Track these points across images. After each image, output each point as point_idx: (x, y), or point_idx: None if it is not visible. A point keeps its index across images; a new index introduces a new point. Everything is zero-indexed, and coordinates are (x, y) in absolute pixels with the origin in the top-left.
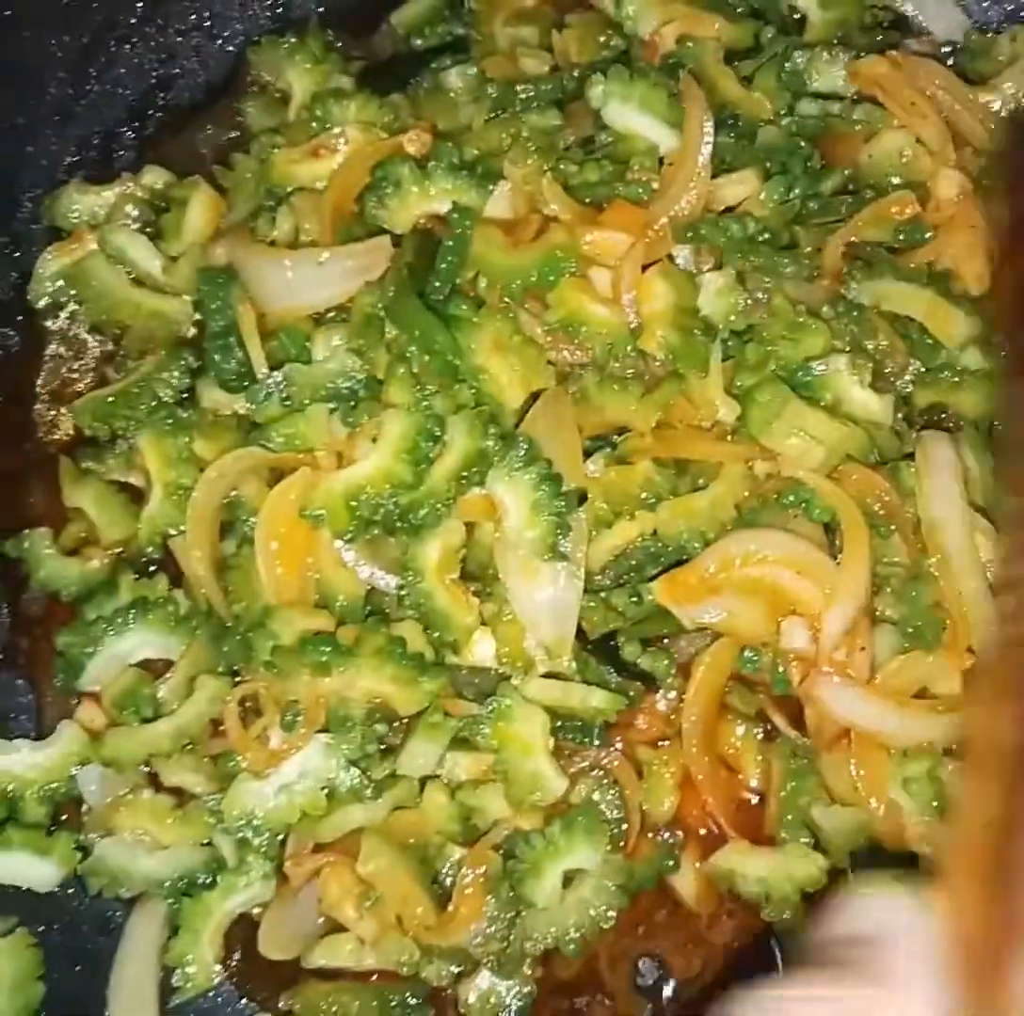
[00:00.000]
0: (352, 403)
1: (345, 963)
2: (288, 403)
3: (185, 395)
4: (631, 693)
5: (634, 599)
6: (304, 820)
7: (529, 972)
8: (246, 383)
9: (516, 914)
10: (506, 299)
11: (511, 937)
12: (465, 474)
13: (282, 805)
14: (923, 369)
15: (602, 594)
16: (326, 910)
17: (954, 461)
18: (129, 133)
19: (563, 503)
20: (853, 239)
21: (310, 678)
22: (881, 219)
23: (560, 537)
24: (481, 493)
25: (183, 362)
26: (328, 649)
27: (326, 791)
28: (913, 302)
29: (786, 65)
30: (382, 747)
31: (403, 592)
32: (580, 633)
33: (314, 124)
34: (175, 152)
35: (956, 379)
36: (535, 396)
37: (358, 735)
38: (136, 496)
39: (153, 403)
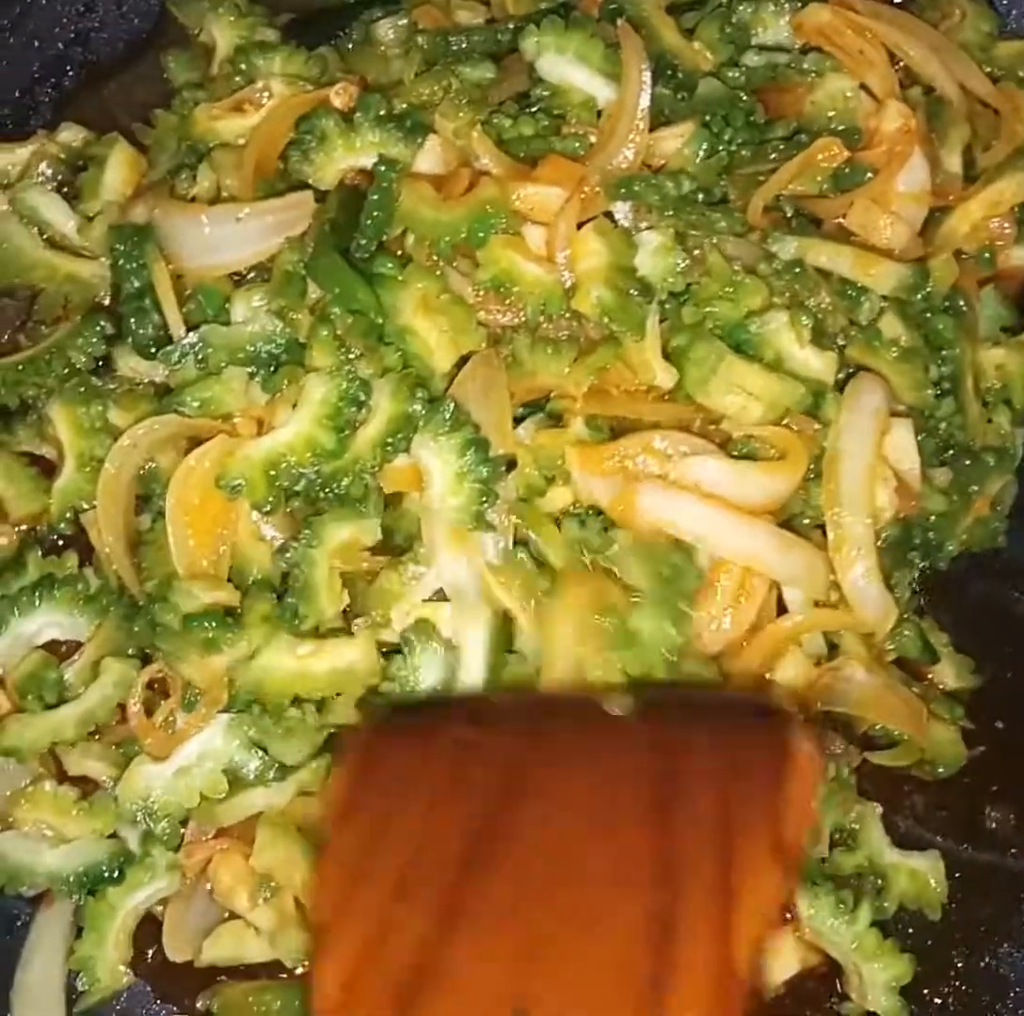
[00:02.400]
0: (272, 368)
1: (234, 956)
2: (204, 366)
3: (100, 362)
4: None
5: None
6: (203, 804)
7: None
8: (164, 348)
9: None
10: (435, 257)
11: None
12: (390, 440)
13: (180, 788)
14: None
15: None
16: (219, 899)
17: (880, 408)
18: (46, 89)
19: (490, 470)
20: (782, 192)
21: (200, 657)
22: (808, 168)
23: (486, 506)
24: (409, 462)
25: (99, 327)
26: (214, 625)
27: (228, 774)
28: (838, 256)
29: (731, 17)
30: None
31: (291, 549)
32: None
33: (238, 78)
34: (94, 109)
35: (876, 343)
36: (465, 360)
37: (262, 716)
38: (47, 469)
39: (65, 370)
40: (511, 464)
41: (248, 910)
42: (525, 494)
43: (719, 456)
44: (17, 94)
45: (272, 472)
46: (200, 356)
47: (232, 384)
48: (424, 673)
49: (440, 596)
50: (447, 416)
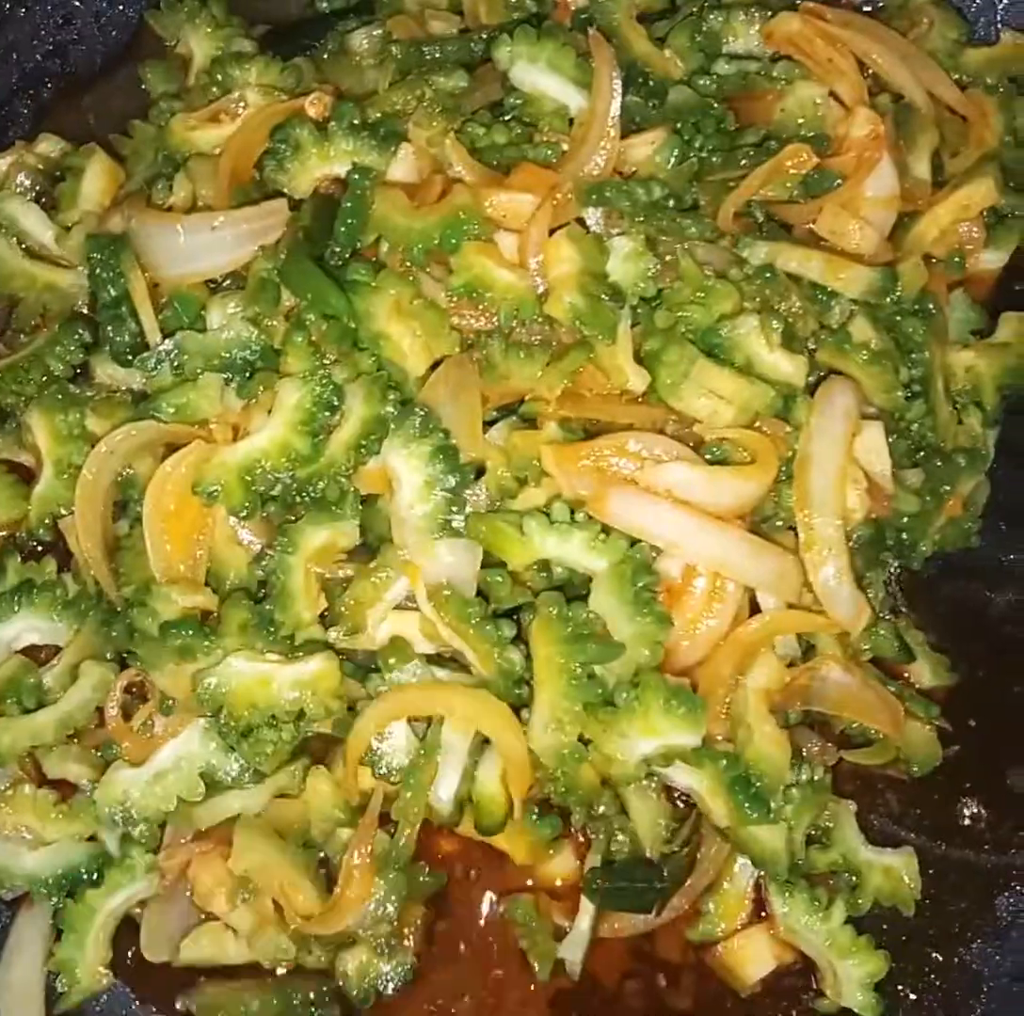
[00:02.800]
0: (247, 374)
1: (212, 957)
2: (180, 372)
3: (78, 370)
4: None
5: (543, 573)
6: (181, 807)
7: (409, 944)
8: (141, 355)
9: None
10: (408, 263)
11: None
12: (364, 443)
13: (157, 792)
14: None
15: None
16: (198, 902)
17: (851, 410)
18: (24, 101)
19: (458, 478)
20: (753, 198)
21: (176, 666)
22: (778, 174)
23: (454, 513)
24: (380, 464)
25: (77, 335)
26: (190, 633)
27: (204, 778)
28: (808, 261)
29: (702, 26)
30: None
31: (267, 557)
32: None
33: (214, 89)
34: (72, 121)
35: (846, 346)
36: (438, 365)
37: (239, 720)
38: (26, 477)
39: (43, 377)
40: (480, 471)
41: (227, 912)
42: (496, 496)
43: (692, 461)
44: None
45: (247, 477)
46: (176, 363)
47: (207, 390)
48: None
49: (412, 602)
50: (417, 422)
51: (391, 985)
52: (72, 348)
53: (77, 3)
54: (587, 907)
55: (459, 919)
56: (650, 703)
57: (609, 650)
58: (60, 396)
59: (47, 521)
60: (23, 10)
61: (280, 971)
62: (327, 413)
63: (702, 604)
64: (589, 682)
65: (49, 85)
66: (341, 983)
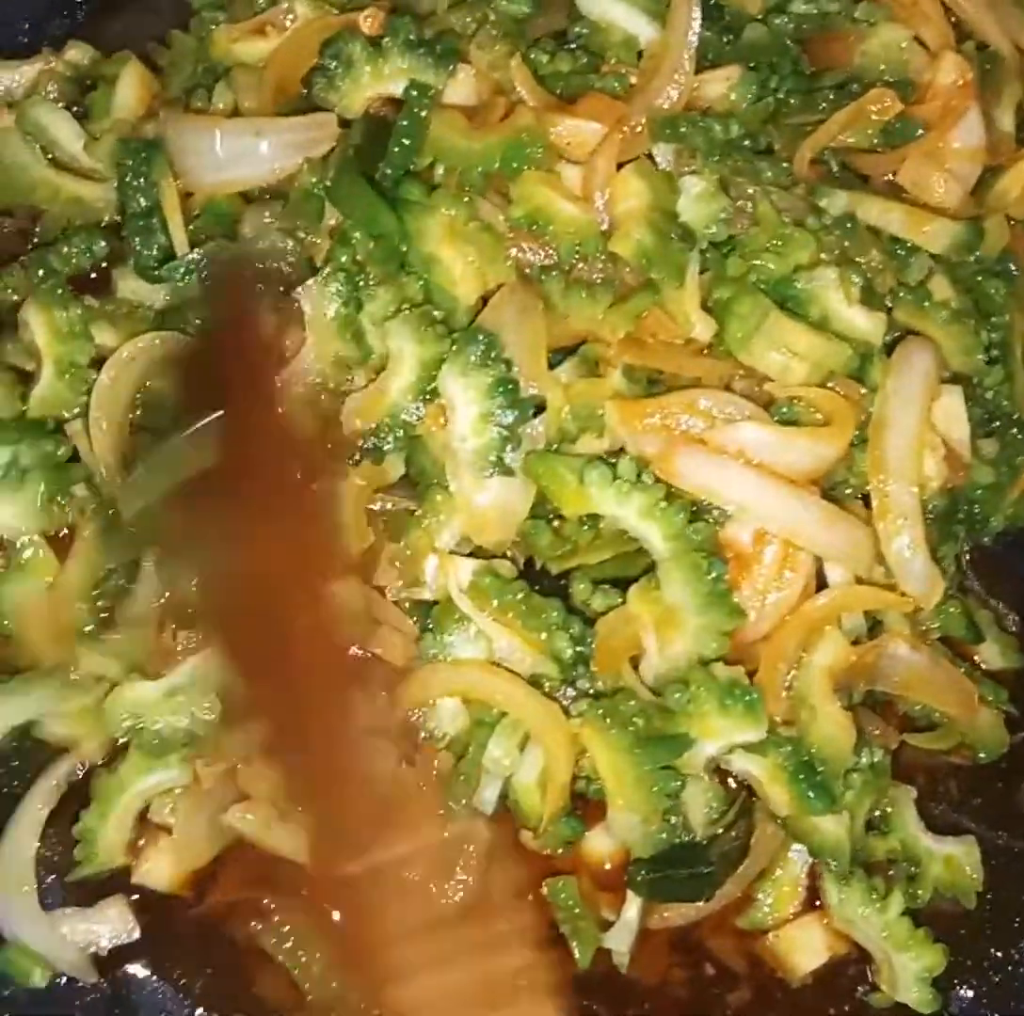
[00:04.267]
0: (283, 289)
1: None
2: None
3: (98, 281)
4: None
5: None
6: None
7: None
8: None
9: None
10: (466, 189)
11: None
12: (429, 386)
13: (169, 708)
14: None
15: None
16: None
17: (930, 372)
18: (60, 22)
19: (516, 415)
20: (830, 145)
21: None
22: (860, 120)
23: (508, 449)
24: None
25: (88, 240)
26: None
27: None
28: (889, 213)
29: None
30: None
31: None
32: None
33: (260, 1)
34: (108, 42)
35: (926, 304)
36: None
37: None
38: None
39: (41, 273)
40: (539, 408)
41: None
42: (557, 438)
43: (765, 421)
44: (27, 26)
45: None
46: (205, 273)
47: None
48: (457, 650)
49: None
50: (479, 350)
51: None
52: (79, 247)
53: None
54: (634, 897)
55: None
56: (704, 704)
57: (678, 744)
58: (59, 291)
59: (50, 425)
60: None
61: None
62: (351, 306)
63: (772, 574)
64: (664, 774)
65: (84, 6)
66: None
